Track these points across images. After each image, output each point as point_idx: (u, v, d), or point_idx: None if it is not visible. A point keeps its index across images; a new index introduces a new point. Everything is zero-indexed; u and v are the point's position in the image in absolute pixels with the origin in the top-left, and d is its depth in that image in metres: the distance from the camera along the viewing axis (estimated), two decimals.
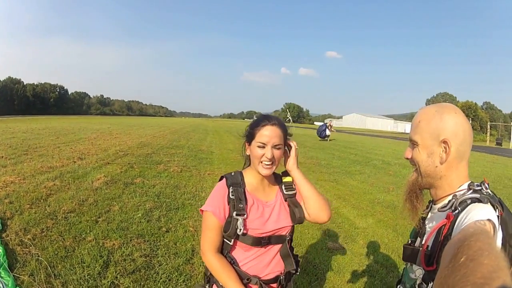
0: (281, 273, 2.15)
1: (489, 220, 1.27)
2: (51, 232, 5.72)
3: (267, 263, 2.11)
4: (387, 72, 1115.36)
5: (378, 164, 17.75)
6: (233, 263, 2.07)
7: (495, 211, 1.36)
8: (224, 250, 2.09)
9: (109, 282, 4.33)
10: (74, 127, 33.00)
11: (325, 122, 37.40)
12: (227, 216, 2.02)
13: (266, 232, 2.06)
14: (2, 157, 12.65)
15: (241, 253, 2.08)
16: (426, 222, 1.68)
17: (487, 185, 1.51)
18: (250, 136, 2.08)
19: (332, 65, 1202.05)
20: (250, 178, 2.14)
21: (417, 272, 1.60)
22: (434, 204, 1.66)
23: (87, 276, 4.41)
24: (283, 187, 2.21)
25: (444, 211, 1.51)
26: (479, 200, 1.41)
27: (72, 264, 4.67)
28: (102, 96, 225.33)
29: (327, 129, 35.34)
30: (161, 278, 4.54)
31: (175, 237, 5.88)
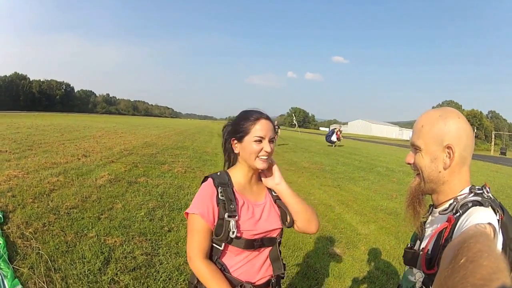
0: (272, 277, 2.07)
1: (489, 223, 1.27)
2: (53, 226, 5.74)
3: (258, 267, 2.02)
4: (393, 78, 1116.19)
5: (382, 171, 17.73)
6: (223, 269, 1.94)
7: (496, 215, 1.36)
8: (213, 256, 1.96)
9: (109, 279, 4.33)
10: (79, 125, 33.08)
11: (335, 128, 37.25)
12: (216, 218, 1.90)
13: (258, 234, 1.98)
14: (6, 151, 12.71)
15: (231, 258, 1.96)
16: (427, 225, 1.67)
17: (488, 189, 1.49)
18: (241, 132, 1.99)
19: (338, 70, 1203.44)
20: (238, 178, 2.05)
21: (417, 275, 1.58)
22: (435, 208, 1.65)
23: (87, 271, 4.42)
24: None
25: (445, 214, 1.50)
26: (480, 204, 1.40)
27: (72, 259, 4.68)
28: (108, 95, 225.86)
29: (334, 135, 35.35)
30: (161, 277, 4.54)
31: (177, 237, 5.86)
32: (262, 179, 2.15)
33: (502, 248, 1.31)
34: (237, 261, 1.96)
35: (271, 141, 1.98)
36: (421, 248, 1.62)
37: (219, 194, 1.91)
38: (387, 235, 7.29)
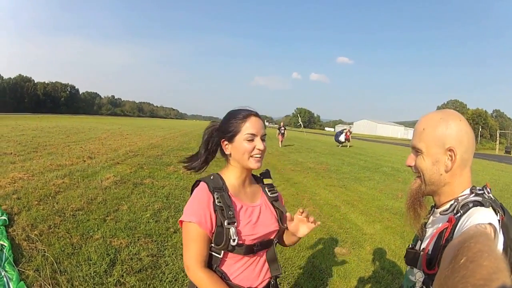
0: (270, 278, 2.02)
1: (490, 224, 1.27)
2: (58, 229, 5.75)
3: (258, 271, 1.96)
4: (398, 78, 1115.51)
5: (388, 170, 17.72)
6: (223, 277, 1.86)
7: (497, 215, 1.35)
8: (212, 265, 1.87)
9: (115, 280, 4.34)
10: (84, 127, 33.17)
11: (344, 128, 37.07)
12: (214, 225, 1.82)
13: (257, 237, 1.91)
14: (11, 153, 12.76)
15: (231, 265, 1.89)
16: (428, 226, 1.67)
17: (489, 190, 1.49)
18: (231, 132, 1.91)
19: (343, 70, 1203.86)
20: (231, 180, 1.97)
21: (417, 275, 1.58)
22: (436, 209, 1.65)
23: (93, 273, 4.43)
24: (266, 190, 2.12)
25: (446, 214, 1.50)
26: (481, 204, 1.40)
27: (78, 261, 4.69)
28: (113, 96, 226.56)
29: (342, 135, 35.29)
30: (167, 278, 4.54)
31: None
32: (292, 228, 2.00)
33: (503, 248, 1.31)
34: (237, 267, 1.90)
35: (263, 138, 1.92)
36: (421, 248, 1.62)
37: (216, 200, 1.82)
38: (393, 234, 7.28)
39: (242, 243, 1.83)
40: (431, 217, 1.67)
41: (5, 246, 4.81)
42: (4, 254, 4.59)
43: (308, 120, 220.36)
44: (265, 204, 2.05)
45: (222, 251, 1.84)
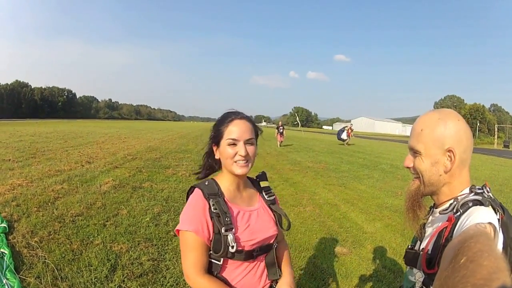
0: (272, 282, 1.99)
1: (490, 223, 1.27)
2: (58, 235, 5.74)
3: (259, 276, 1.94)
4: (395, 75, 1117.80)
5: (387, 168, 17.70)
6: (224, 283, 1.83)
7: (496, 214, 1.36)
8: (213, 272, 1.84)
9: (116, 286, 4.34)
10: (82, 131, 33.14)
11: (345, 126, 36.88)
12: (212, 233, 1.79)
13: (256, 242, 1.88)
14: (10, 160, 12.74)
15: (232, 271, 1.86)
16: (427, 225, 1.67)
17: (488, 189, 1.49)
18: (217, 137, 1.89)
19: (340, 68, 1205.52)
20: (226, 185, 1.93)
21: (417, 275, 1.57)
22: (435, 208, 1.64)
23: (94, 279, 4.42)
24: (263, 193, 2.09)
25: (445, 213, 1.50)
26: (480, 203, 1.40)
27: (79, 267, 4.68)
28: (110, 100, 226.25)
29: (344, 133, 35.23)
30: (168, 282, 4.54)
31: None
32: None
33: (503, 248, 1.32)
34: (238, 273, 1.87)
35: (249, 143, 1.86)
36: (421, 248, 1.61)
37: (212, 207, 1.79)
38: (393, 232, 7.28)
39: (242, 249, 1.81)
40: (430, 217, 1.67)
41: (6, 253, 4.81)
42: (5, 261, 4.58)
43: (305, 119, 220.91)
44: (262, 207, 2.03)
45: (222, 258, 1.82)
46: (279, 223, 2.04)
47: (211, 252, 1.82)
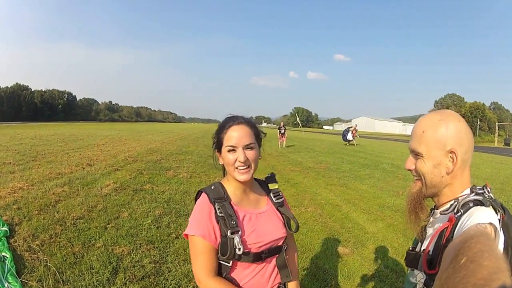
0: (280, 284, 2.02)
1: (490, 223, 1.27)
2: (59, 238, 5.73)
3: (267, 277, 1.95)
4: (395, 74, 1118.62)
5: (388, 167, 17.69)
6: (234, 284, 1.86)
7: (497, 214, 1.36)
8: (222, 273, 1.87)
9: None
10: (82, 133, 33.17)
11: (350, 126, 36.83)
12: (219, 236, 1.81)
13: (264, 244, 1.90)
14: (10, 163, 12.74)
15: (240, 272, 1.89)
16: (428, 226, 1.67)
17: (489, 189, 1.49)
18: (218, 143, 1.92)
19: (340, 68, 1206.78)
20: (233, 189, 1.94)
21: (418, 276, 1.58)
22: (436, 209, 1.65)
23: (96, 282, 4.41)
24: (271, 195, 2.09)
25: (446, 214, 1.50)
26: (481, 203, 1.40)
27: (81, 270, 4.67)
28: (110, 102, 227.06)
29: (349, 133, 35.20)
30: (170, 285, 4.53)
31: (185, 243, 5.81)
32: None
33: (504, 248, 1.31)
34: (246, 274, 1.89)
35: (248, 147, 1.85)
36: (422, 249, 1.61)
37: (217, 211, 1.81)
38: (395, 232, 7.27)
39: (249, 251, 1.83)
40: (431, 218, 1.67)
41: (7, 257, 4.80)
42: (6, 265, 4.57)
43: (306, 119, 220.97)
44: (270, 210, 2.04)
45: (231, 261, 1.84)
46: (287, 225, 2.04)
47: (219, 254, 1.83)
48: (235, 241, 1.77)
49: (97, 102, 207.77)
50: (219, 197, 1.86)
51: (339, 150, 28.53)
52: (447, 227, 1.42)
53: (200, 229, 1.79)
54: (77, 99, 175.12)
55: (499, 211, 1.37)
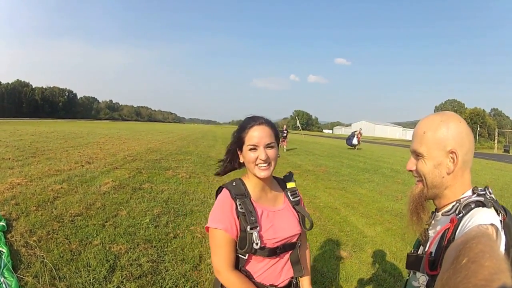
0: (292, 278, 2.11)
1: (492, 224, 1.27)
2: (57, 234, 5.72)
3: (280, 270, 2.05)
4: (396, 79, 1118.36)
5: (387, 172, 17.72)
6: (248, 276, 1.98)
7: (498, 215, 1.36)
8: (238, 265, 1.97)
9: (115, 287, 4.32)
10: (82, 131, 33.27)
11: (355, 131, 36.79)
12: (239, 230, 1.91)
13: (280, 241, 1.99)
14: (10, 158, 12.75)
15: (255, 265, 1.99)
16: (430, 229, 1.67)
17: (490, 191, 1.50)
18: (239, 142, 2.00)
19: (341, 72, 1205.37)
20: (253, 186, 2.04)
21: (421, 279, 1.57)
22: (437, 212, 1.64)
23: (93, 279, 4.39)
24: (288, 194, 2.19)
25: (448, 215, 1.50)
26: (483, 204, 1.40)
27: (77, 267, 4.65)
28: (111, 101, 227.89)
29: (355, 137, 35.17)
30: (167, 284, 4.51)
31: (183, 243, 5.85)
32: None
33: (505, 249, 1.31)
34: (260, 267, 1.99)
35: (269, 146, 1.94)
36: (424, 251, 1.62)
37: (238, 207, 1.90)
38: (394, 236, 7.26)
39: (264, 246, 1.93)
40: (433, 221, 1.67)
41: (4, 252, 4.78)
42: (2, 260, 4.55)
43: (306, 122, 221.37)
44: (287, 208, 2.13)
45: (247, 254, 1.95)
46: (302, 223, 2.13)
47: (237, 248, 1.93)
48: (254, 236, 1.87)
49: (98, 100, 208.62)
50: (240, 194, 1.96)
51: (338, 153, 28.57)
52: (448, 228, 1.43)
53: (222, 222, 1.88)
54: (78, 97, 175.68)
55: (500, 212, 1.37)
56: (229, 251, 1.91)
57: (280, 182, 2.23)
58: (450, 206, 1.53)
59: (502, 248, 1.29)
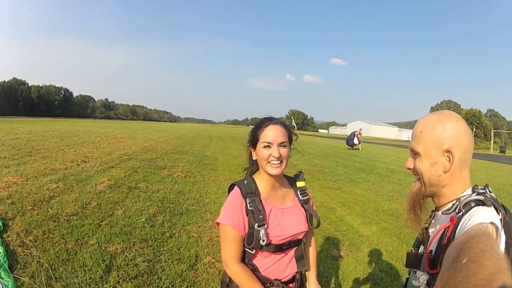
0: (296, 273, 2.21)
1: (492, 223, 1.28)
2: (53, 234, 5.69)
3: (285, 265, 2.16)
4: (392, 80, 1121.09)
5: (383, 172, 17.77)
6: (254, 269, 2.09)
7: (498, 214, 1.36)
8: (245, 259, 2.10)
9: (111, 287, 4.30)
10: (78, 130, 33.12)
11: (355, 131, 36.68)
12: (247, 227, 2.02)
13: (286, 238, 2.09)
14: (5, 157, 12.68)
15: (261, 260, 2.10)
16: (430, 229, 1.67)
17: (490, 189, 1.50)
18: (254, 140, 2.09)
19: (337, 72, 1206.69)
20: (263, 184, 2.13)
21: (421, 278, 1.58)
22: (437, 211, 1.65)
23: (89, 280, 4.37)
24: (298, 193, 2.26)
25: (448, 213, 1.51)
26: (483, 203, 1.41)
27: (73, 267, 4.64)
28: (107, 100, 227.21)
29: (355, 138, 35.12)
30: (164, 284, 4.51)
31: (179, 243, 5.84)
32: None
33: (505, 248, 1.33)
34: (266, 262, 2.11)
35: (282, 145, 2.02)
36: (424, 250, 1.62)
37: (248, 205, 2.01)
38: (390, 236, 7.28)
39: (270, 242, 2.03)
40: (433, 220, 1.68)
41: (0, 252, 4.76)
42: None
43: (301, 122, 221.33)
44: (296, 206, 2.23)
45: (254, 249, 2.06)
46: (310, 221, 2.24)
47: (245, 244, 2.06)
48: (261, 233, 1.98)
49: (94, 99, 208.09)
50: (251, 192, 2.07)
51: (333, 153, 28.57)
52: (448, 227, 1.44)
53: (231, 219, 2.01)
54: (74, 96, 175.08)
55: (500, 211, 1.38)
56: (237, 246, 2.03)
57: (290, 181, 2.32)
58: (450, 205, 1.53)
59: (502, 247, 1.30)
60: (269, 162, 2.02)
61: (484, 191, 1.47)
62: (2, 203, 6.95)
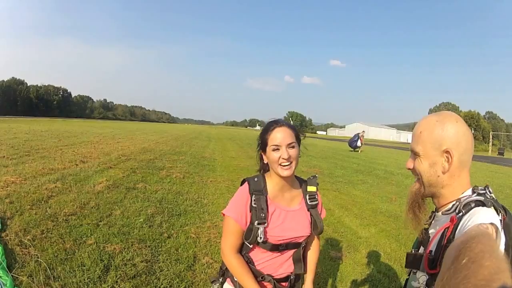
0: (291, 273, 2.25)
1: (492, 223, 1.28)
2: (51, 234, 5.69)
3: (280, 264, 2.21)
4: (390, 81, 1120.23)
5: (381, 173, 17.78)
6: (249, 261, 2.17)
7: (498, 215, 1.36)
8: (243, 250, 2.19)
9: (109, 287, 4.30)
10: (76, 130, 33.14)
11: (358, 133, 36.57)
12: (248, 222, 2.10)
13: (285, 239, 2.15)
14: (4, 157, 12.67)
15: (257, 254, 2.17)
16: (430, 229, 1.67)
17: (490, 190, 1.51)
18: (263, 144, 2.13)
19: (335, 74, 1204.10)
20: (273, 184, 2.17)
21: (421, 279, 1.58)
22: (437, 212, 1.66)
23: (87, 279, 4.37)
24: (307, 197, 2.28)
25: (448, 214, 1.51)
26: (483, 203, 1.41)
27: (72, 267, 4.63)
28: (105, 100, 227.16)
29: (359, 140, 35.08)
30: (162, 284, 4.50)
31: (177, 243, 5.84)
32: None
33: (505, 249, 1.33)
34: (262, 257, 2.18)
35: (290, 146, 2.06)
36: (424, 251, 1.63)
37: (252, 202, 2.08)
38: (388, 238, 7.29)
39: (267, 241, 2.10)
40: (433, 221, 1.68)
41: None
42: None
43: (300, 123, 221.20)
44: (303, 210, 2.26)
45: (252, 244, 2.13)
46: (314, 227, 2.27)
47: (243, 238, 2.14)
48: (259, 231, 2.06)
49: (92, 99, 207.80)
50: (258, 190, 2.13)
51: (332, 155, 28.63)
52: (448, 227, 1.44)
53: (235, 213, 2.10)
54: (72, 96, 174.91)
55: (500, 211, 1.39)
56: (236, 238, 2.12)
57: (301, 184, 2.33)
58: (450, 205, 1.54)
59: (501, 247, 1.30)
60: (280, 165, 2.04)
61: (484, 191, 1.48)
62: (1, 202, 6.96)
